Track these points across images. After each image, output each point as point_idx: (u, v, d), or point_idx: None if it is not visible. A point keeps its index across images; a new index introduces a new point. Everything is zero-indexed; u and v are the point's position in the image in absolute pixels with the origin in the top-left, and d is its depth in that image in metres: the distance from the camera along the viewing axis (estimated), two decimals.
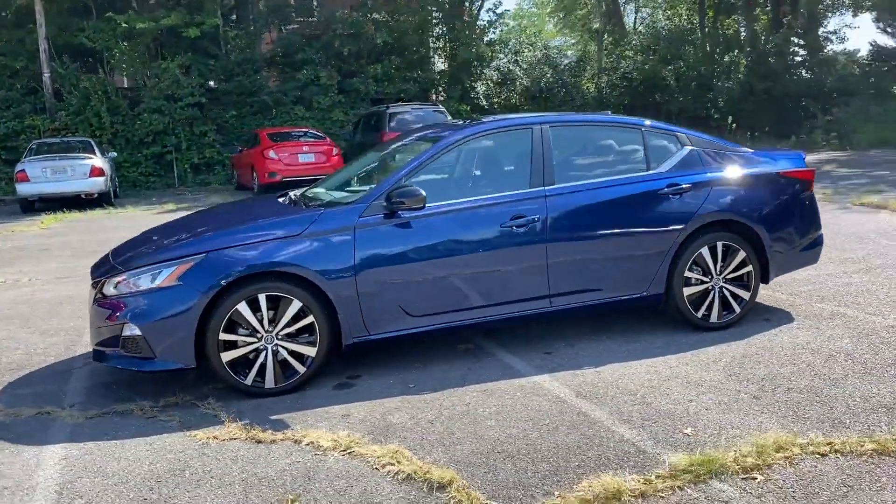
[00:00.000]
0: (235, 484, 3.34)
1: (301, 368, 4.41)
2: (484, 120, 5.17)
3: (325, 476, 3.36)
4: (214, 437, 3.83)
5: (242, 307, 4.27)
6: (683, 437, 3.57)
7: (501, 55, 24.77)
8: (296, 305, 4.34)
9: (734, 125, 24.19)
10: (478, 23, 24.54)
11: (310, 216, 4.52)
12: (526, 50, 24.99)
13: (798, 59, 26.89)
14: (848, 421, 3.67)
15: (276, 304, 4.33)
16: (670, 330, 5.18)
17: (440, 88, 24.09)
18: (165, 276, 4.26)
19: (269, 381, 4.36)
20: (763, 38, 26.72)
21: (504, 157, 5.07)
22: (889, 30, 27.68)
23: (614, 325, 5.35)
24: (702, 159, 5.20)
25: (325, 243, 4.42)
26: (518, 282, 4.77)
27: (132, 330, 4.25)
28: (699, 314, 5.12)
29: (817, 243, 5.52)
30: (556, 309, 4.88)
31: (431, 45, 25.31)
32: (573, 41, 39.29)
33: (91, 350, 4.65)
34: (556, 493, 3.11)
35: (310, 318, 4.37)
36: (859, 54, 28.10)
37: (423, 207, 4.46)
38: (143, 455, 3.68)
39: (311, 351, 4.41)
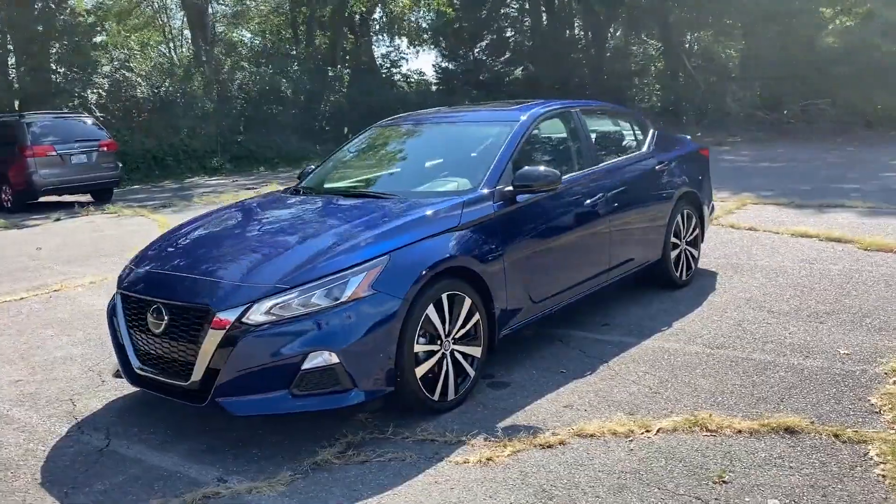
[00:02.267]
0: (632, 485, 3.04)
1: (471, 372, 3.97)
2: (531, 103, 5.15)
3: (688, 452, 3.25)
4: (497, 456, 3.32)
5: (431, 311, 3.69)
6: (848, 356, 4.28)
7: (104, 62, 22.17)
8: (467, 303, 3.90)
9: (351, 136, 25.49)
10: (77, 22, 21.52)
11: (455, 206, 4.06)
12: (138, 56, 22.79)
13: (384, 75, 29.64)
14: None
15: (451, 305, 3.83)
16: (656, 292, 5.78)
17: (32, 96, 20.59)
18: (355, 286, 3.45)
19: (450, 392, 3.84)
20: (344, 54, 28.84)
21: (555, 139, 5.13)
22: (445, 53, 32.25)
23: (606, 297, 5.73)
24: (664, 140, 5.98)
25: (477, 235, 4.05)
26: (594, 258, 4.94)
27: (323, 359, 3.35)
28: (678, 273, 5.89)
29: (714, 208, 6.74)
30: (610, 282, 5.17)
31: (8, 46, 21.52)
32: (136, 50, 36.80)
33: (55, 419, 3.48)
34: (876, 412, 3.56)
35: (476, 316, 3.96)
36: (424, 76, 32.20)
37: (559, 187, 4.37)
38: (464, 497, 3.04)
39: (476, 351, 4.00)
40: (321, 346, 3.35)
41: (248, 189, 15.36)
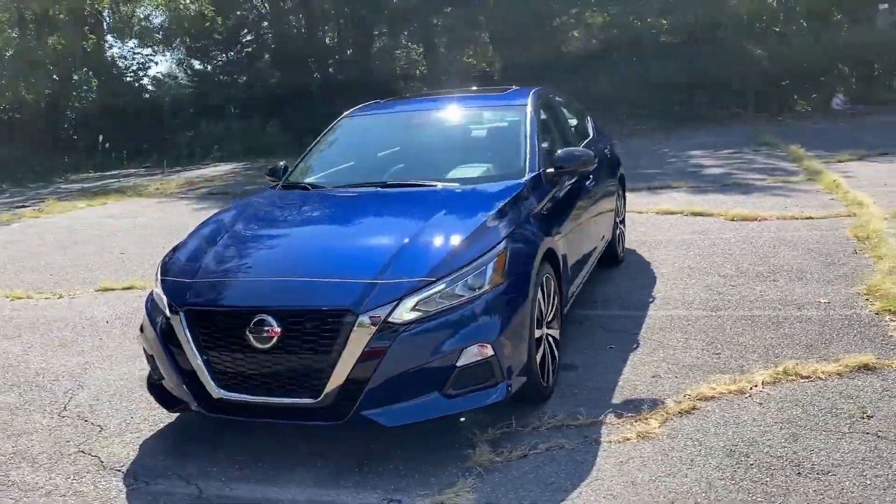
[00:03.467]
0: (800, 432, 3.21)
1: (556, 353, 3.90)
2: (515, 89, 5.10)
3: (811, 398, 3.51)
4: (652, 430, 3.31)
5: (539, 295, 3.57)
6: (829, 304, 4.85)
7: None
8: (553, 285, 3.83)
9: (107, 144, 23.09)
10: None
11: (525, 190, 3.94)
12: None
13: (130, 79, 27.23)
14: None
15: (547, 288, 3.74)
16: (612, 268, 6.07)
17: None
18: (491, 273, 3.23)
19: (550, 376, 3.74)
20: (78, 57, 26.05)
21: (547, 123, 5.14)
22: (195, 54, 30.45)
23: None
24: (599, 127, 6.28)
25: (546, 217, 4.00)
26: (593, 239, 5.09)
27: (478, 352, 3.10)
28: (619, 249, 6.24)
29: None
30: (594, 263, 5.33)
31: None
32: None
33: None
34: None
35: (556, 298, 3.91)
36: (177, 79, 30.11)
37: (594, 167, 4.42)
38: (670, 469, 3.01)
39: (557, 333, 3.94)
40: (475, 340, 3.11)
41: (23, 206, 13.32)
